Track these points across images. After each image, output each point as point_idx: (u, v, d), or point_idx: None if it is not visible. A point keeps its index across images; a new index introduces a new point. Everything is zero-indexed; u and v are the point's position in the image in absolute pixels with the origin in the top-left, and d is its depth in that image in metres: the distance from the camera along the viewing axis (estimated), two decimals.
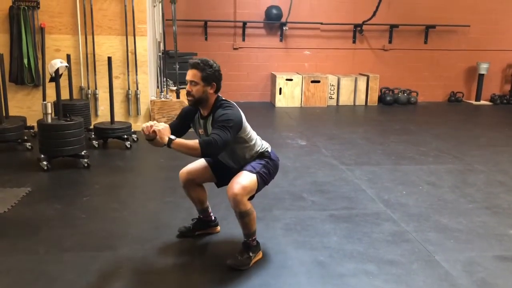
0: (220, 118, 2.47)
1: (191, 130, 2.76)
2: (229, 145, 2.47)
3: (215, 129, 2.45)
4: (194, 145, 2.38)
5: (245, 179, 2.51)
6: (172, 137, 2.40)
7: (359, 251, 2.82)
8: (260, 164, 2.63)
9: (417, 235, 3.06)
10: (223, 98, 2.60)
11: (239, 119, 2.53)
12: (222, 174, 2.74)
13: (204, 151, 2.39)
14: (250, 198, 2.59)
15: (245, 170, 2.57)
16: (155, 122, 2.45)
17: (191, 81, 2.52)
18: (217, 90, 2.57)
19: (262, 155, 2.68)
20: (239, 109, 2.59)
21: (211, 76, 2.51)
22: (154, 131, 2.39)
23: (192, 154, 2.43)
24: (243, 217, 2.53)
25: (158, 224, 3.10)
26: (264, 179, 2.61)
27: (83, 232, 3.01)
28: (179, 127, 2.68)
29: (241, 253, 2.62)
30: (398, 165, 4.66)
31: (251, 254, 2.63)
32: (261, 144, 2.71)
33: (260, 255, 2.70)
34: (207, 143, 2.39)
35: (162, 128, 2.40)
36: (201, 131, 2.67)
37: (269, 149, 2.74)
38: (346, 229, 3.13)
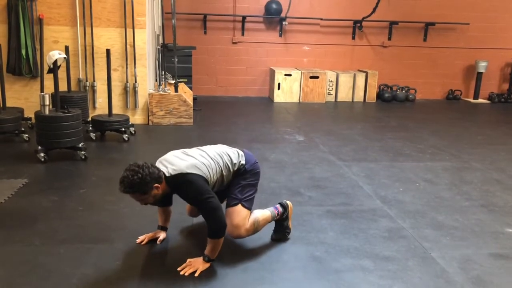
0: (192, 200, 2.56)
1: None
2: (217, 203, 2.47)
3: (199, 209, 2.58)
4: (215, 243, 2.49)
5: (234, 218, 2.61)
6: (206, 257, 2.51)
7: (355, 247, 2.83)
8: (239, 187, 2.66)
9: (413, 232, 3.06)
10: (170, 174, 2.44)
11: (199, 181, 2.45)
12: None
13: (220, 235, 2.49)
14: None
15: (230, 206, 2.64)
16: (189, 267, 2.49)
17: (139, 201, 2.46)
18: (160, 180, 2.41)
19: (238, 172, 2.69)
20: (189, 167, 2.47)
21: (146, 185, 2.35)
22: (194, 268, 2.48)
23: (220, 243, 2.52)
24: (257, 231, 2.72)
25: (155, 217, 3.09)
26: (250, 199, 2.69)
27: (80, 224, 3.01)
28: (165, 202, 2.74)
29: (277, 230, 2.87)
30: (395, 162, 4.66)
31: (285, 224, 2.85)
32: (230, 164, 2.65)
33: (290, 210, 2.90)
34: (216, 231, 2.48)
35: (202, 267, 2.48)
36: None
37: (243, 161, 2.70)
38: (343, 225, 3.14)
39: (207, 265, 2.51)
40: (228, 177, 2.67)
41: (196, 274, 2.45)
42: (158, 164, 2.53)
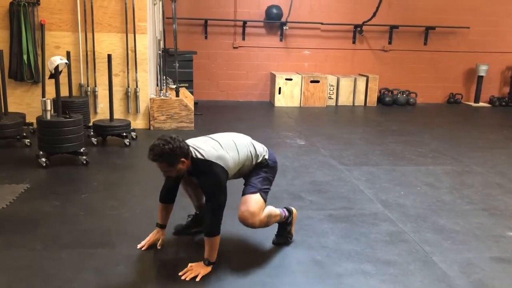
0: (206, 189, 2.52)
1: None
2: (224, 203, 2.50)
3: (207, 200, 2.52)
4: (212, 242, 2.50)
5: (252, 205, 2.59)
6: (207, 261, 2.51)
7: (357, 251, 2.83)
8: (260, 177, 2.68)
9: (414, 236, 3.06)
10: (197, 156, 2.49)
11: (222, 175, 2.49)
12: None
13: (215, 233, 2.49)
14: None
15: (248, 193, 2.63)
16: (191, 271, 2.50)
17: (163, 171, 2.50)
18: (187, 157, 2.46)
19: (261, 165, 2.71)
20: (217, 159, 2.50)
21: (175, 157, 2.40)
22: (196, 273, 2.49)
23: (217, 242, 2.52)
24: (268, 225, 2.70)
25: (156, 222, 3.10)
26: (266, 192, 2.70)
27: (81, 229, 3.02)
28: (173, 184, 2.73)
29: (280, 234, 2.87)
30: (397, 165, 4.66)
31: (288, 228, 2.85)
32: (256, 156, 2.69)
33: (294, 216, 2.93)
34: (211, 230, 2.49)
35: (200, 270, 2.49)
36: (193, 178, 2.68)
37: (266, 156, 2.74)
38: (344, 229, 3.14)
39: (209, 269, 2.52)
40: (249, 167, 2.68)
41: (198, 279, 2.45)
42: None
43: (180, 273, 2.49)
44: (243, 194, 2.65)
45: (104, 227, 3.06)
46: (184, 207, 3.04)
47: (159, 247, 2.77)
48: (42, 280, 2.42)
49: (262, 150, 2.74)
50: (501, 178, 4.35)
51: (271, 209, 2.73)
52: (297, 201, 3.61)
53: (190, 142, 2.58)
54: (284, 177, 4.18)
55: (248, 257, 2.72)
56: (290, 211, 2.88)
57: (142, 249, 2.75)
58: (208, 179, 2.48)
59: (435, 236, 3.08)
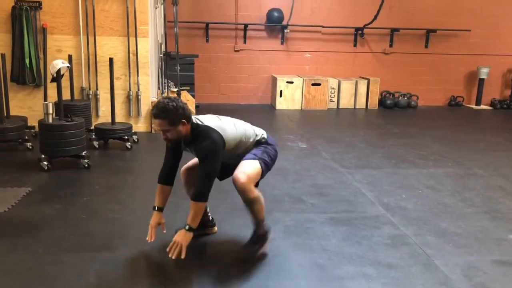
0: (201, 154, 2.53)
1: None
2: (217, 171, 2.52)
3: (200, 165, 2.53)
4: (196, 207, 2.50)
5: (249, 167, 2.57)
6: (187, 226, 2.51)
7: (358, 254, 2.83)
8: (260, 150, 2.70)
9: (416, 239, 3.06)
10: (198, 123, 2.58)
11: (219, 143, 2.52)
12: (223, 168, 2.76)
13: (202, 199, 2.51)
14: (255, 186, 2.64)
15: (246, 159, 2.63)
16: (175, 247, 2.50)
17: (162, 130, 2.52)
18: (189, 120, 2.54)
19: (259, 142, 2.74)
20: (216, 129, 2.55)
21: (176, 117, 2.47)
22: (179, 246, 2.50)
23: (202, 208, 2.54)
24: (252, 204, 2.59)
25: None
26: (267, 164, 2.67)
27: (83, 232, 3.02)
28: (173, 156, 2.72)
29: (251, 243, 2.72)
30: (398, 168, 4.66)
31: (261, 243, 2.71)
32: (254, 134, 2.75)
33: (270, 237, 2.78)
34: (199, 194, 2.50)
35: (185, 243, 2.50)
36: (189, 150, 2.70)
37: (265, 135, 2.79)
38: (346, 232, 3.13)
39: (190, 236, 2.51)
40: (247, 144, 2.70)
41: (183, 255, 2.46)
42: None
43: (167, 249, 2.51)
44: (241, 160, 2.65)
45: (106, 230, 3.06)
46: (185, 211, 3.03)
47: (164, 231, 2.75)
48: (44, 283, 2.43)
49: (261, 131, 2.81)
50: (503, 181, 4.34)
51: (262, 197, 2.65)
52: (298, 204, 3.61)
53: (195, 116, 2.65)
54: (285, 180, 4.18)
55: (249, 261, 2.71)
56: (267, 233, 2.75)
57: (152, 239, 2.68)
58: (205, 142, 2.51)
59: (436, 239, 3.08)
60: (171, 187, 2.77)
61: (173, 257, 2.48)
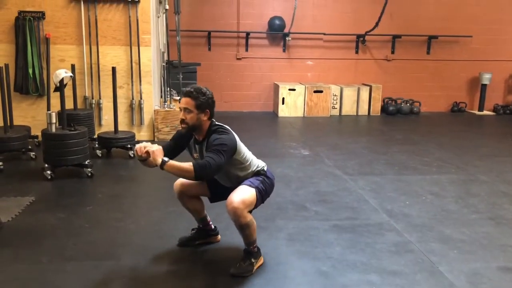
0: (215, 142, 2.50)
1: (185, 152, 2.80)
2: (222, 169, 2.52)
3: (209, 153, 2.48)
4: (188, 167, 2.42)
5: (244, 193, 2.54)
6: (166, 158, 2.44)
7: (362, 262, 2.81)
8: (258, 180, 2.67)
9: (420, 246, 3.05)
10: (217, 123, 2.64)
11: (234, 143, 2.56)
12: (217, 191, 2.80)
13: (197, 174, 2.43)
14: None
15: (244, 184, 2.60)
16: (148, 143, 2.49)
17: (185, 108, 2.53)
18: (211, 116, 2.60)
19: (258, 173, 2.71)
20: (234, 133, 2.63)
21: (205, 103, 2.54)
22: (147, 152, 2.45)
23: (185, 176, 2.50)
24: (244, 229, 2.56)
25: (161, 234, 3.11)
26: (262, 194, 2.64)
27: (86, 241, 3.02)
28: (173, 148, 2.71)
29: (243, 260, 2.65)
30: (401, 175, 4.65)
31: (253, 260, 2.66)
32: (256, 163, 2.74)
33: (261, 260, 2.73)
34: (201, 166, 2.42)
35: (156, 149, 2.44)
36: (196, 155, 2.71)
37: (265, 168, 2.76)
38: (349, 240, 3.12)
39: (160, 152, 2.44)
40: (247, 170, 2.67)
41: (144, 150, 2.45)
42: None
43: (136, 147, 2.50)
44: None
45: (109, 239, 3.06)
46: (188, 220, 3.04)
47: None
48: None
49: (262, 163, 2.79)
50: (507, 187, 4.33)
51: (255, 223, 2.63)
52: (301, 212, 3.60)
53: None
54: (288, 187, 4.17)
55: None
56: (259, 251, 2.73)
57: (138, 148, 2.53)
58: (219, 137, 2.52)
59: (441, 246, 3.06)
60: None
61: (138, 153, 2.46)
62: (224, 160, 2.47)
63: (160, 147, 2.48)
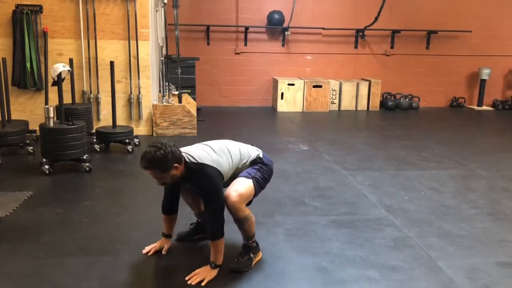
0: (204, 193, 2.49)
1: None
2: (223, 205, 2.48)
3: (206, 204, 2.49)
4: (217, 245, 2.49)
5: (241, 186, 2.53)
6: (214, 265, 2.51)
7: (361, 257, 2.81)
8: (254, 169, 2.65)
9: (419, 241, 3.04)
10: (191, 160, 2.48)
11: (216, 177, 2.47)
12: None
13: (219, 236, 2.48)
14: (248, 204, 2.61)
15: (240, 176, 2.59)
16: (198, 275, 2.50)
17: (157, 178, 2.47)
18: (180, 162, 2.44)
19: (254, 162, 2.69)
20: (212, 162, 2.49)
21: (167, 163, 2.38)
22: (202, 276, 2.50)
23: (222, 245, 2.52)
24: (243, 223, 2.56)
25: (160, 229, 3.08)
26: (260, 184, 2.63)
27: (84, 236, 3.01)
28: (172, 193, 2.73)
29: (241, 255, 2.64)
30: (400, 170, 4.64)
31: (251, 255, 2.65)
32: (248, 155, 2.70)
33: (260, 255, 2.73)
34: (214, 234, 2.48)
35: (206, 274, 2.49)
36: (188, 186, 2.68)
37: (261, 155, 2.74)
38: (348, 235, 3.12)
39: (214, 272, 2.51)
40: (243, 167, 2.66)
41: (203, 283, 2.44)
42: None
43: (186, 278, 2.49)
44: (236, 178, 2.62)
45: (108, 234, 3.05)
46: (186, 215, 3.03)
47: (164, 253, 2.78)
48: None
49: (255, 151, 2.75)
50: (506, 182, 4.32)
51: (253, 217, 2.64)
52: (300, 207, 3.60)
53: (183, 149, 2.56)
54: (287, 182, 4.16)
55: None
56: (258, 245, 2.73)
57: (149, 254, 2.75)
58: (204, 181, 2.46)
59: (440, 241, 3.06)
60: (176, 214, 2.81)
61: (193, 284, 2.45)
62: (221, 198, 2.45)
63: (209, 270, 2.52)
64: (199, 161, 2.48)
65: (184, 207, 2.93)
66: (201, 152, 2.55)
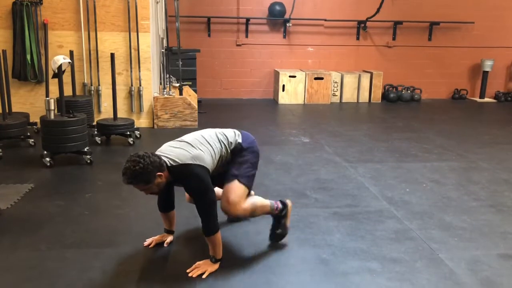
0: (193, 192, 2.50)
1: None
2: (214, 200, 2.48)
3: (196, 202, 2.48)
4: (213, 239, 2.49)
5: (231, 194, 2.56)
6: (214, 260, 2.53)
7: (362, 249, 2.81)
8: (236, 164, 2.65)
9: (420, 233, 3.04)
10: (171, 164, 2.43)
11: (203, 174, 2.45)
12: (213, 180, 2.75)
13: (214, 231, 2.48)
14: (248, 194, 2.65)
15: (227, 182, 2.60)
16: (197, 268, 2.51)
17: (143, 190, 2.45)
18: (162, 169, 2.39)
19: (235, 150, 2.68)
20: (193, 159, 2.46)
21: (149, 175, 2.33)
22: (203, 269, 2.51)
23: (218, 239, 2.52)
24: (254, 215, 2.66)
25: (160, 221, 3.08)
26: (247, 175, 2.64)
27: (86, 229, 3.01)
28: (167, 196, 2.73)
29: (275, 227, 2.80)
30: (402, 162, 4.63)
31: (282, 221, 2.79)
32: (228, 143, 2.67)
33: (289, 208, 2.85)
34: (209, 230, 2.48)
35: (208, 267, 2.51)
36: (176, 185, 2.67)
37: (239, 139, 2.70)
38: (349, 227, 3.12)
39: (216, 266, 2.52)
40: (226, 157, 2.66)
41: (204, 276, 2.45)
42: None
43: (187, 270, 2.50)
44: (224, 185, 2.63)
45: (109, 226, 3.05)
46: (188, 207, 3.03)
47: (165, 245, 2.79)
48: (47, 280, 2.42)
49: (233, 135, 2.72)
50: (508, 174, 4.31)
51: (256, 200, 2.69)
52: (301, 199, 3.59)
53: (159, 152, 2.51)
54: (288, 174, 4.16)
55: (253, 256, 2.71)
56: (284, 204, 2.83)
57: (150, 246, 2.76)
58: (191, 181, 2.45)
59: (441, 233, 3.06)
60: (173, 211, 2.81)
61: (194, 276, 2.46)
62: (210, 194, 2.45)
63: (209, 263, 2.53)
64: (180, 162, 2.44)
65: (184, 198, 2.92)
66: (178, 151, 2.49)
